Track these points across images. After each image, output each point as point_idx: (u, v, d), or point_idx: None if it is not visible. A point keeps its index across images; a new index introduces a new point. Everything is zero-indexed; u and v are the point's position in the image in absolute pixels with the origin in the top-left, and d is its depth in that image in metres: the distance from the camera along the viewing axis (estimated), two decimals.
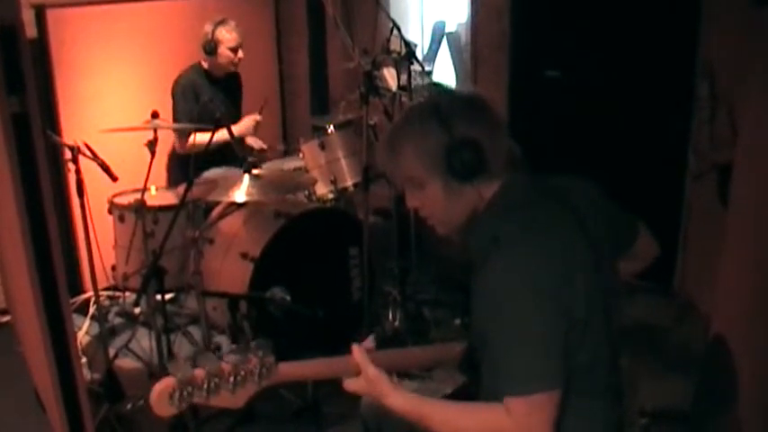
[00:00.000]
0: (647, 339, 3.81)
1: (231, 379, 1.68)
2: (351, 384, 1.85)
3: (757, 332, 2.33)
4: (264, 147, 4.64)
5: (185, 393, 1.62)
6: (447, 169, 1.79)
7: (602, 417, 1.87)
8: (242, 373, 1.70)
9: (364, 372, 1.82)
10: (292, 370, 1.83)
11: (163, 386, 1.61)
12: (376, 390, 1.81)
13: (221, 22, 4.33)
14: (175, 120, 4.29)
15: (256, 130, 4.48)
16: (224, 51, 4.35)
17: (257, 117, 4.44)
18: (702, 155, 3.91)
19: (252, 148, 4.55)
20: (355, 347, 1.86)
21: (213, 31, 4.30)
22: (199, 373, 1.64)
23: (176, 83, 4.38)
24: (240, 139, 4.41)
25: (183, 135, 4.27)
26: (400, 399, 1.78)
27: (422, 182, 1.86)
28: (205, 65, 4.43)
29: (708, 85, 3.84)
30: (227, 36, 4.32)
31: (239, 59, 4.42)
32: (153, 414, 1.64)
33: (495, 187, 1.85)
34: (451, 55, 6.57)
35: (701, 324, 3.47)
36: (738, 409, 2.33)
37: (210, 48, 4.32)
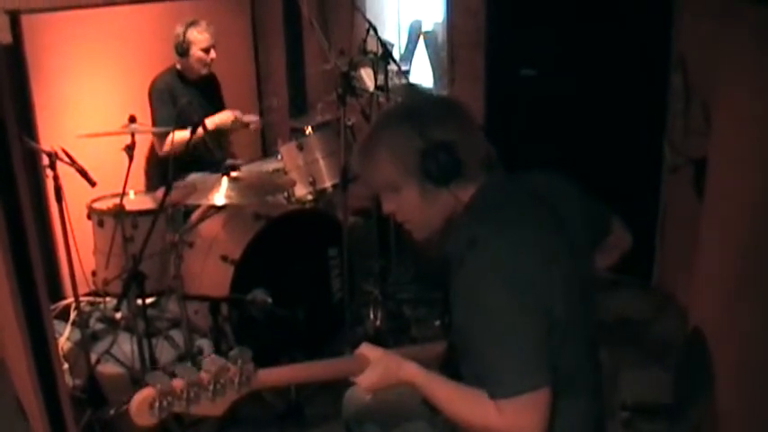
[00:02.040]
0: (627, 332, 3.83)
1: (210, 388, 1.68)
2: (363, 380, 1.87)
3: (734, 323, 2.36)
4: (253, 119, 4.61)
5: (165, 403, 1.62)
6: (422, 173, 1.79)
7: (582, 411, 1.87)
8: (221, 381, 1.69)
9: (374, 356, 1.87)
10: (271, 376, 1.83)
11: (142, 396, 1.61)
12: (390, 366, 1.85)
13: (192, 23, 4.31)
14: (154, 124, 4.27)
15: (234, 125, 4.46)
16: (196, 52, 4.33)
17: (237, 113, 4.44)
18: (677, 148, 3.94)
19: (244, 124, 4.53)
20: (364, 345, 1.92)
21: (184, 33, 4.29)
22: (178, 383, 1.64)
23: (152, 87, 4.36)
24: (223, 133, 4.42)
25: (162, 138, 4.26)
26: (413, 368, 1.83)
27: (397, 186, 1.86)
28: (179, 67, 4.42)
29: (681, 78, 3.86)
30: (198, 37, 4.30)
31: (212, 60, 4.40)
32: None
33: (472, 190, 1.85)
34: (428, 54, 6.58)
35: (680, 316, 3.50)
36: (718, 399, 2.35)
37: (182, 49, 4.31)
